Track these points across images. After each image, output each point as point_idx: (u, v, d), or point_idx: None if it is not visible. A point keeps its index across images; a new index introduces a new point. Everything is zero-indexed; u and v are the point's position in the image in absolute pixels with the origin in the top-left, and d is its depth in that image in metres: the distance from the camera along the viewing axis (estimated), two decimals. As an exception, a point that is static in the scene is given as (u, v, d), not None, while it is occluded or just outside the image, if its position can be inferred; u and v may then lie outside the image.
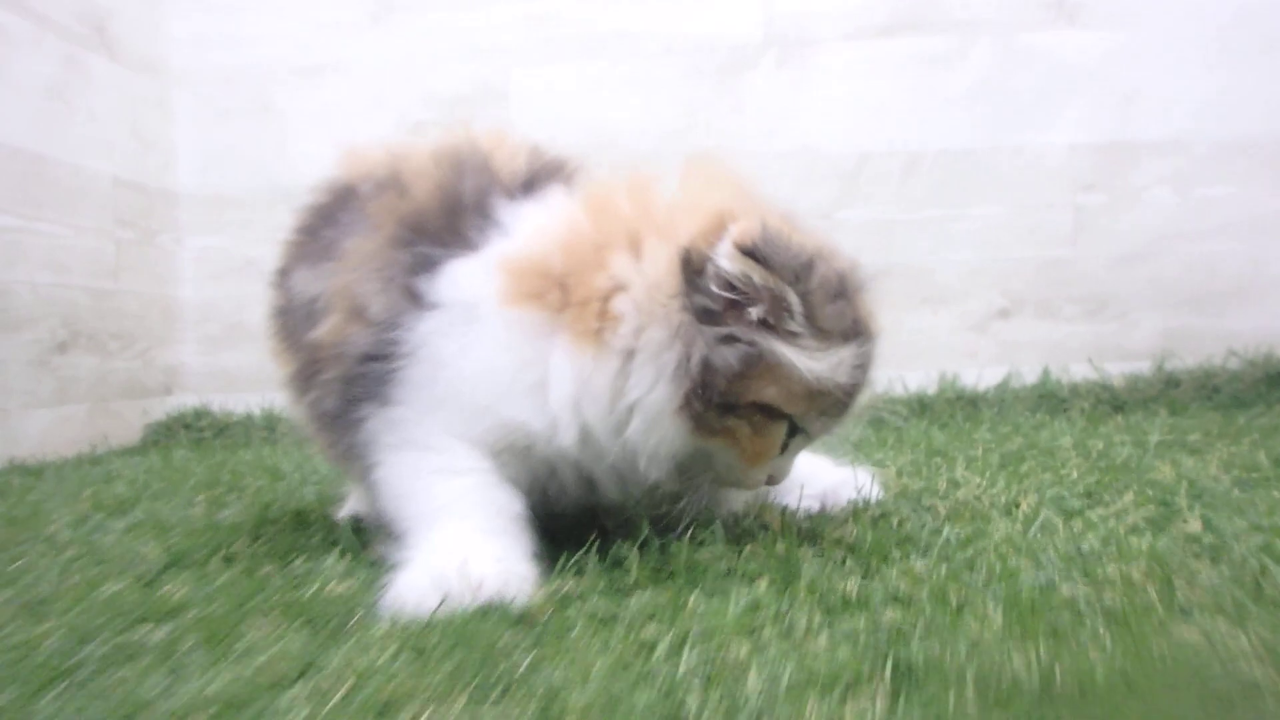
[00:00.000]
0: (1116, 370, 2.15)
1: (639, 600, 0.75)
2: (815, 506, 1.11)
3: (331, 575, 0.87)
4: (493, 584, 0.76)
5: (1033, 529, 0.88)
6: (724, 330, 0.82)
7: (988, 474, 1.25)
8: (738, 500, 1.05)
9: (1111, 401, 2.02)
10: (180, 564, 0.98)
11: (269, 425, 2.39)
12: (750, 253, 0.80)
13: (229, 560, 0.99)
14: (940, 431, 1.79)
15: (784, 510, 1.07)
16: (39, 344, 2.10)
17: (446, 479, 0.87)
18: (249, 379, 2.55)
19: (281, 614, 0.77)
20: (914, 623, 0.63)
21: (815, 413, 0.86)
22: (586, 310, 0.85)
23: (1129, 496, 1.00)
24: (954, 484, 1.18)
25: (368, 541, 0.97)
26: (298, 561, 0.95)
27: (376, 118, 2.45)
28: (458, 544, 0.81)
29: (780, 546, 0.88)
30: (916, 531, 0.92)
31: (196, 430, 2.42)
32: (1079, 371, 2.18)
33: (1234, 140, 2.22)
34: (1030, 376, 2.20)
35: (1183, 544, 0.81)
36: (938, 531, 0.91)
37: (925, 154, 2.30)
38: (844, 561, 0.82)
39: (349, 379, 0.96)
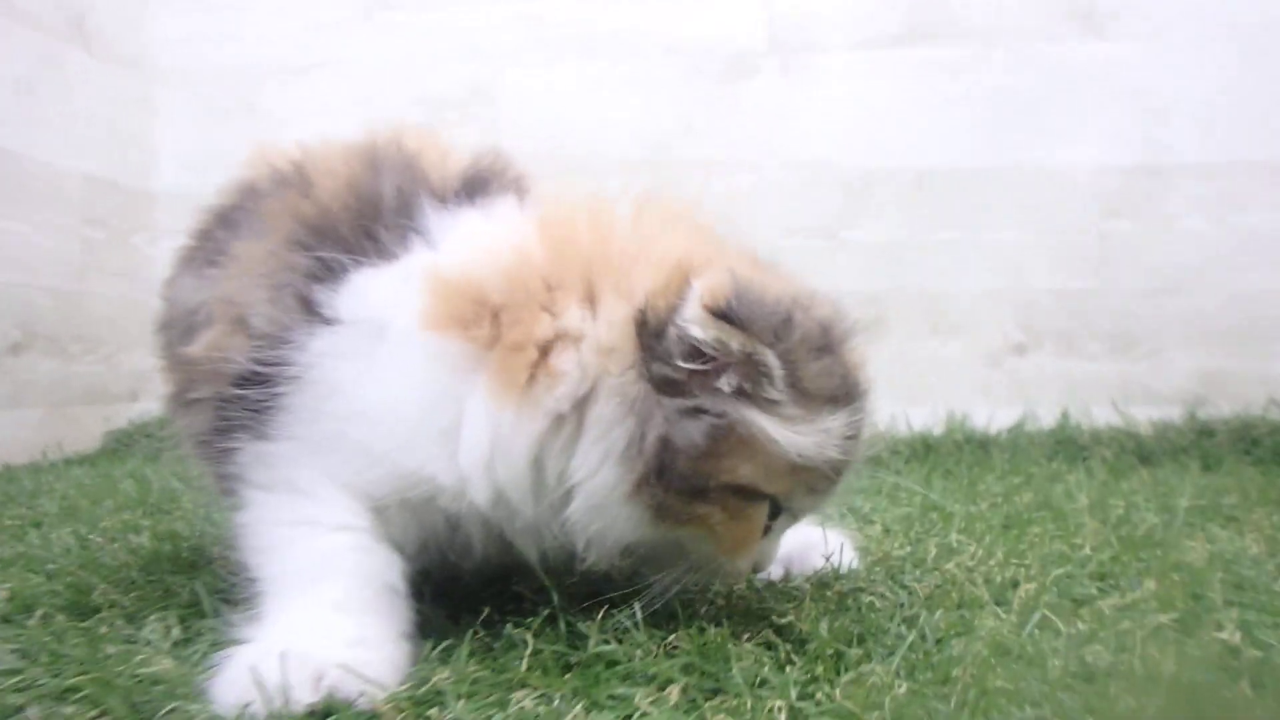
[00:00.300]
0: (1144, 416, 1.96)
1: (514, 707, 0.59)
2: (778, 572, 0.95)
3: (165, 645, 0.72)
4: (335, 677, 0.61)
5: (1029, 626, 0.71)
6: (688, 403, 0.68)
7: (986, 540, 1.07)
8: None
9: (1137, 451, 1.82)
10: (23, 615, 0.84)
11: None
12: (723, 315, 0.66)
13: (80, 613, 0.85)
14: (942, 479, 1.61)
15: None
16: (-12, 345, 1.98)
17: (313, 536, 0.73)
18: (216, 388, 2.42)
19: (79, 700, 0.63)
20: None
21: (802, 490, 0.73)
22: (519, 356, 0.70)
23: (1151, 584, 0.82)
24: (946, 551, 1.01)
25: (231, 598, 0.82)
26: (151, 620, 0.81)
27: (367, 118, 2.32)
28: (305, 623, 0.66)
29: (713, 633, 0.71)
30: (885, 620, 0.75)
31: (157, 439, 2.29)
32: (1101, 415, 2.00)
33: (1277, 162, 2.03)
34: (1047, 419, 2.01)
35: (1217, 660, 0.64)
36: (912, 622, 0.75)
37: (937, 171, 2.14)
38: (784, 663, 0.66)
39: (223, 401, 0.82)
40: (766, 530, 0.75)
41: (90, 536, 1.19)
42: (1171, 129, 2.06)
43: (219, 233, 0.92)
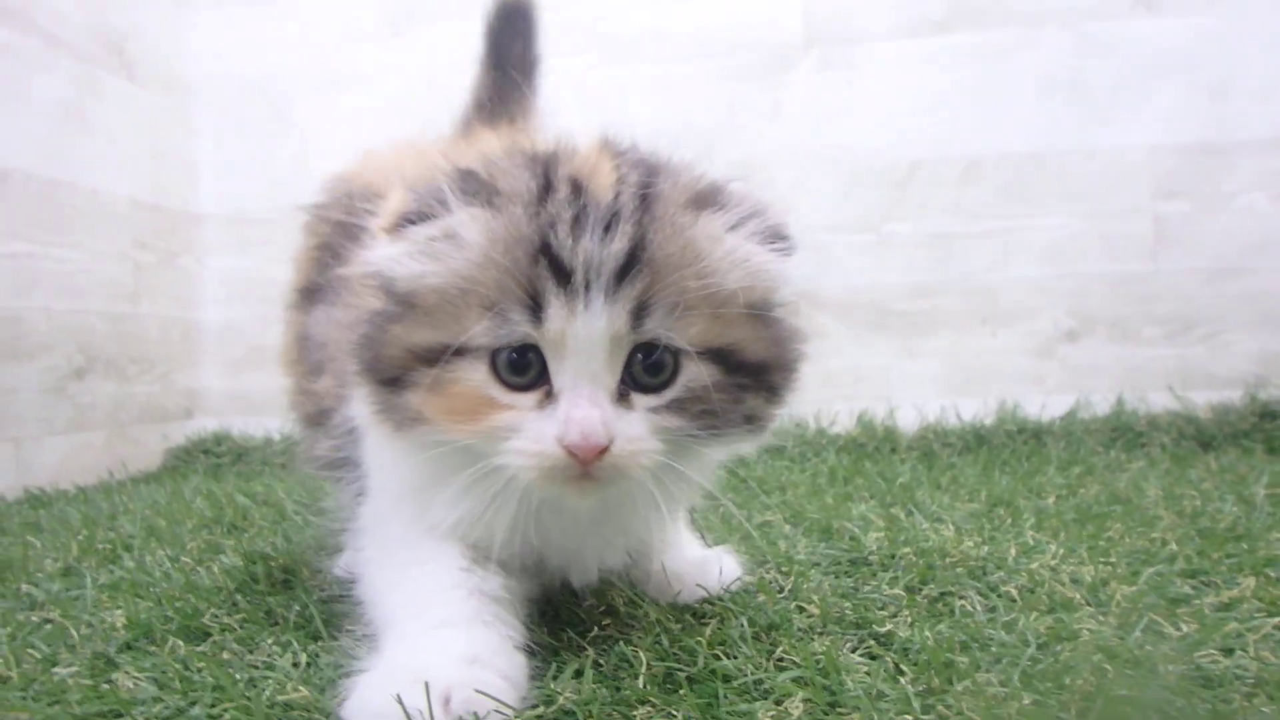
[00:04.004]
0: (1202, 400, 1.94)
1: (641, 727, 0.62)
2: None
3: (292, 671, 0.75)
4: (462, 697, 0.63)
5: (1135, 630, 0.72)
6: None
7: (1062, 536, 1.08)
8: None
9: (1197, 436, 1.81)
10: (143, 640, 0.88)
11: (288, 451, 2.30)
12: None
13: (194, 637, 0.88)
14: (1002, 473, 1.61)
15: (822, 582, 0.92)
16: (55, 371, 2.04)
17: (413, 570, 0.76)
18: (271, 402, 2.46)
19: (223, 729, 0.66)
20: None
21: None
22: None
23: (1248, 582, 0.83)
24: (1025, 550, 1.02)
25: (342, 622, 0.85)
26: (267, 643, 0.84)
27: (400, 129, 2.35)
28: (422, 646, 0.69)
29: (819, 644, 0.73)
30: (983, 626, 0.76)
31: (215, 455, 2.35)
32: (1158, 401, 1.98)
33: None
34: (1102, 406, 1.99)
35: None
36: (1010, 626, 0.76)
37: (985, 158, 2.12)
38: (897, 673, 0.68)
39: (338, 451, 0.88)
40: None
41: (180, 558, 1.22)
42: (1230, 105, 2.01)
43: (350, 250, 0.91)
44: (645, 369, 0.66)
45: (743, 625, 0.76)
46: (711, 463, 0.77)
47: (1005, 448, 1.89)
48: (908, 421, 2.07)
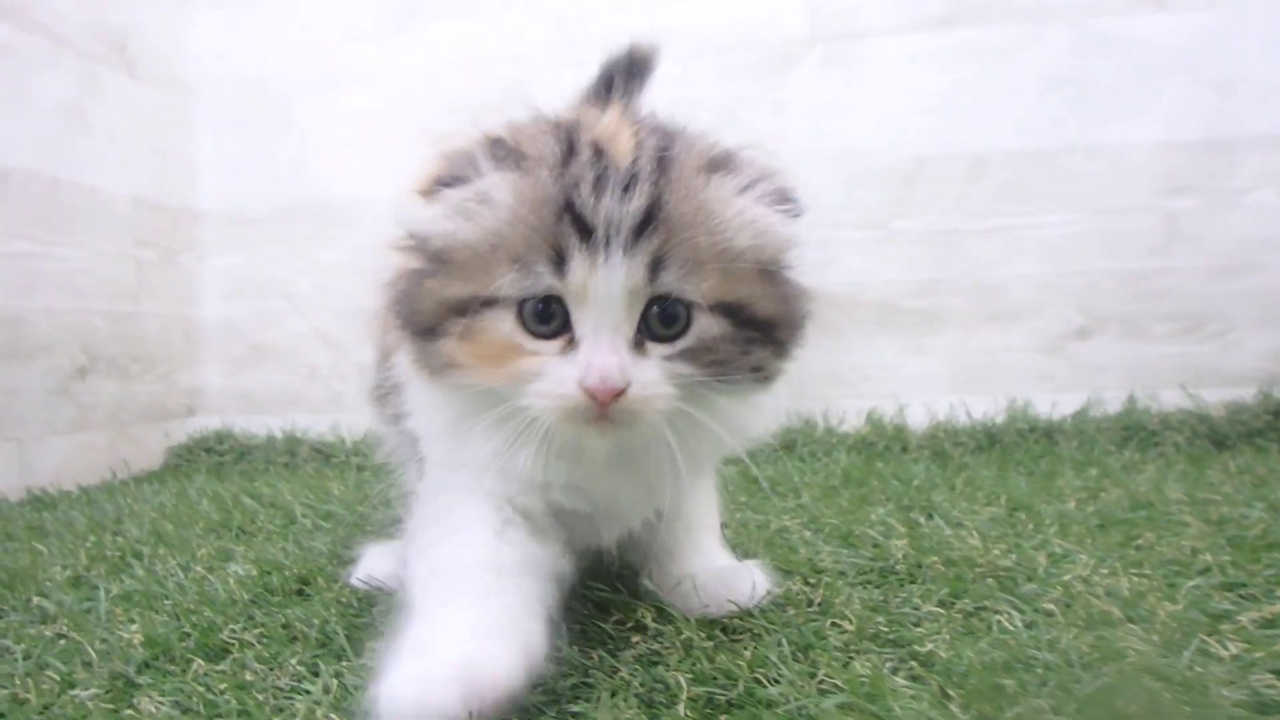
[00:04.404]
0: (1214, 398, 1.93)
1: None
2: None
3: (323, 697, 0.73)
4: (470, 676, 0.62)
5: (1186, 652, 0.71)
6: None
7: (1089, 544, 1.07)
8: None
9: (1210, 435, 1.80)
10: (161, 659, 0.86)
11: (290, 450, 2.28)
12: None
13: (213, 655, 0.86)
14: (1017, 474, 1.60)
15: (851, 595, 0.91)
16: (57, 371, 2.01)
17: (436, 548, 0.77)
18: (271, 400, 2.45)
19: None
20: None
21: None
22: None
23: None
24: (1054, 560, 1.01)
25: (365, 638, 0.83)
26: (290, 663, 0.82)
27: (399, 128, 2.32)
28: (439, 621, 0.69)
29: (859, 665, 0.72)
30: (1024, 644, 0.75)
31: (218, 454, 2.33)
32: (1170, 399, 1.97)
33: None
34: (1113, 404, 1.98)
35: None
36: (1053, 645, 0.75)
37: (991, 155, 2.11)
38: (944, 698, 0.66)
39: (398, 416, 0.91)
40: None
41: (192, 567, 1.21)
42: (1237, 101, 1.99)
43: None
44: (660, 320, 0.70)
45: (781, 645, 0.75)
46: (725, 415, 0.76)
47: (1018, 447, 1.88)
48: (917, 420, 2.06)
